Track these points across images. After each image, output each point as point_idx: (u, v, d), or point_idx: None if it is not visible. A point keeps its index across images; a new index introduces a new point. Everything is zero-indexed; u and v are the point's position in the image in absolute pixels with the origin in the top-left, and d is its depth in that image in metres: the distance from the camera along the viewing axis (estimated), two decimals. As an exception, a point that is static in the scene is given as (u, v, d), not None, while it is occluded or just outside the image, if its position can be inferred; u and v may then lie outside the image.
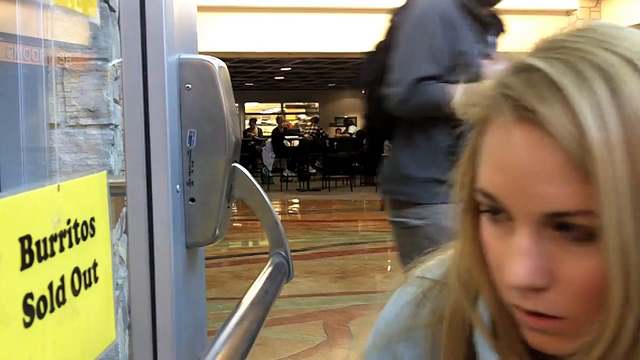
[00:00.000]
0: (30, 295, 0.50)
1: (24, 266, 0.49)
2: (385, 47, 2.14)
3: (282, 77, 18.27)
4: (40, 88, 1.01)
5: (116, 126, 2.35)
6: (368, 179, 14.59)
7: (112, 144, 2.33)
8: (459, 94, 0.62)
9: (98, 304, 0.63)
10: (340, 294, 5.71)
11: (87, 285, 0.60)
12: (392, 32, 2.15)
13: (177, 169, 0.66)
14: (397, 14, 2.16)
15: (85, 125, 2.27)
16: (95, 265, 0.62)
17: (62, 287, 0.55)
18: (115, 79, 2.34)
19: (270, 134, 18.30)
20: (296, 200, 12.79)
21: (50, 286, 0.53)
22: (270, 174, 15.74)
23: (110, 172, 2.24)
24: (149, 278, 0.64)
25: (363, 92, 2.33)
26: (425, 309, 0.64)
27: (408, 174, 2.07)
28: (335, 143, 17.28)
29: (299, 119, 22.97)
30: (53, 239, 0.54)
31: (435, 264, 0.68)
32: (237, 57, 11.45)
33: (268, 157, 16.16)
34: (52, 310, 0.53)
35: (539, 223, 0.51)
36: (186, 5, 0.70)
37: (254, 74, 17.03)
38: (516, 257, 0.52)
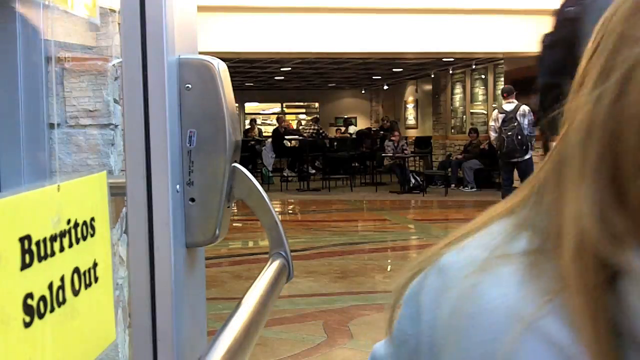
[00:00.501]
0: (30, 295, 0.50)
1: (24, 266, 0.49)
2: (560, 42, 2.01)
3: (282, 77, 18.27)
4: (40, 88, 1.01)
5: (116, 126, 2.35)
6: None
7: (112, 144, 2.33)
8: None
9: (98, 304, 0.63)
10: (340, 294, 5.71)
11: (87, 285, 0.60)
12: (567, 23, 2.00)
13: (177, 169, 0.66)
14: (572, 4, 2.03)
15: (85, 125, 2.27)
16: (95, 265, 0.62)
17: (62, 287, 0.55)
18: (115, 79, 2.34)
19: (270, 134, 18.31)
20: (296, 200, 12.79)
21: (50, 286, 0.53)
22: (270, 174, 15.74)
23: (110, 172, 2.24)
24: (149, 278, 0.64)
25: (538, 90, 2.20)
26: (543, 280, 0.61)
27: None
28: (335, 143, 17.29)
29: (300, 121, 22.94)
30: (53, 239, 0.54)
31: (501, 242, 0.64)
32: (237, 57, 11.45)
33: (268, 157, 16.16)
34: (52, 310, 0.53)
35: None
36: (186, 5, 0.70)
37: (254, 74, 17.03)
38: None
